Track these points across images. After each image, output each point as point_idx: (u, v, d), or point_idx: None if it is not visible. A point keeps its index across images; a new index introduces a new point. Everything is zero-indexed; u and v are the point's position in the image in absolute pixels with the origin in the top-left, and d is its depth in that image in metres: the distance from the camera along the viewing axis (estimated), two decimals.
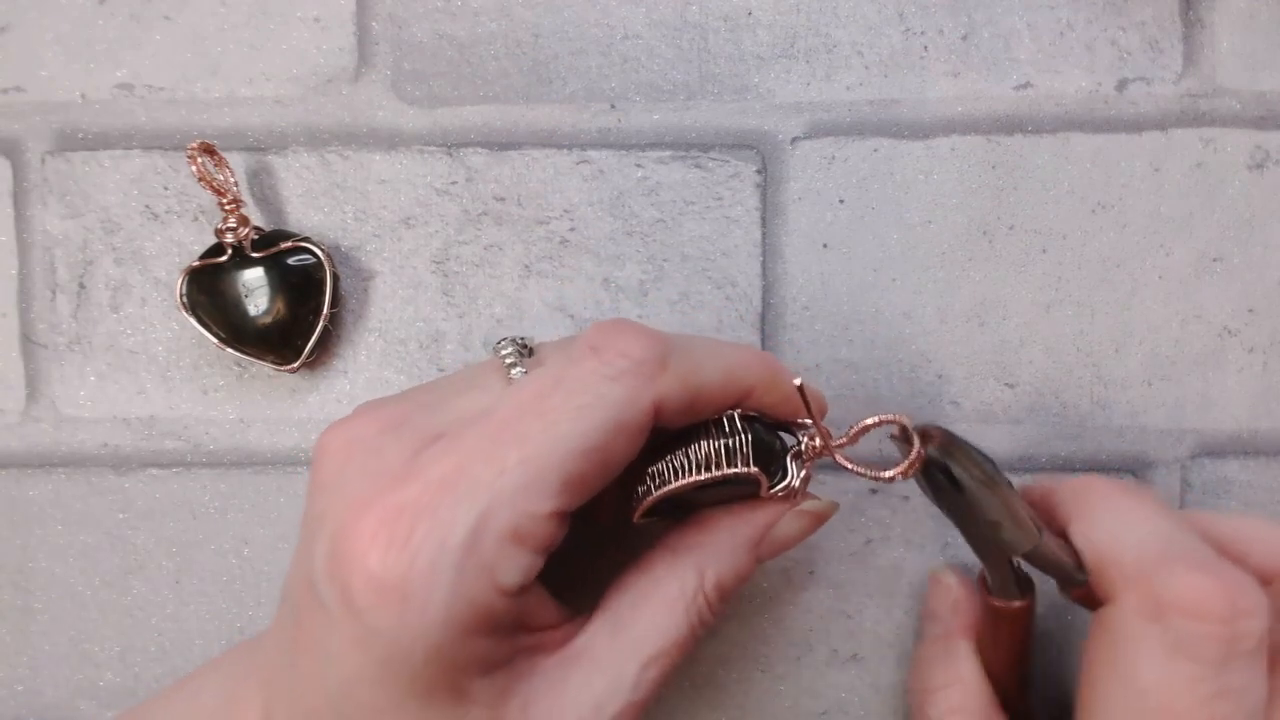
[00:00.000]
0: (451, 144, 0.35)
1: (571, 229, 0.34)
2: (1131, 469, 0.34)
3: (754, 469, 0.25)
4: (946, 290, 0.34)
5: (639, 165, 0.34)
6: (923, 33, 0.34)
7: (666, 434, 0.26)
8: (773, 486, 0.26)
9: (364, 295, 0.35)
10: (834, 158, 0.34)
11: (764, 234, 0.34)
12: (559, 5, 0.35)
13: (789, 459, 0.27)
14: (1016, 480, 0.29)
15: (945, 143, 0.34)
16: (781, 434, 0.27)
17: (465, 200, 0.35)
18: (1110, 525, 0.26)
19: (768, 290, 0.34)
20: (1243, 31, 0.34)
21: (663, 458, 0.26)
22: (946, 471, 0.26)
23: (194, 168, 0.32)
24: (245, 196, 0.34)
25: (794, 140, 0.34)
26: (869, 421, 0.27)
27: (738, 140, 0.34)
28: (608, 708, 0.24)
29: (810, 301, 0.34)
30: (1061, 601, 0.31)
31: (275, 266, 0.33)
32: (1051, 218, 0.34)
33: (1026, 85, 0.34)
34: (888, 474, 0.26)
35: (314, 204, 0.35)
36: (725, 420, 0.26)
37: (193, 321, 0.33)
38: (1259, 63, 0.34)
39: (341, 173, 0.35)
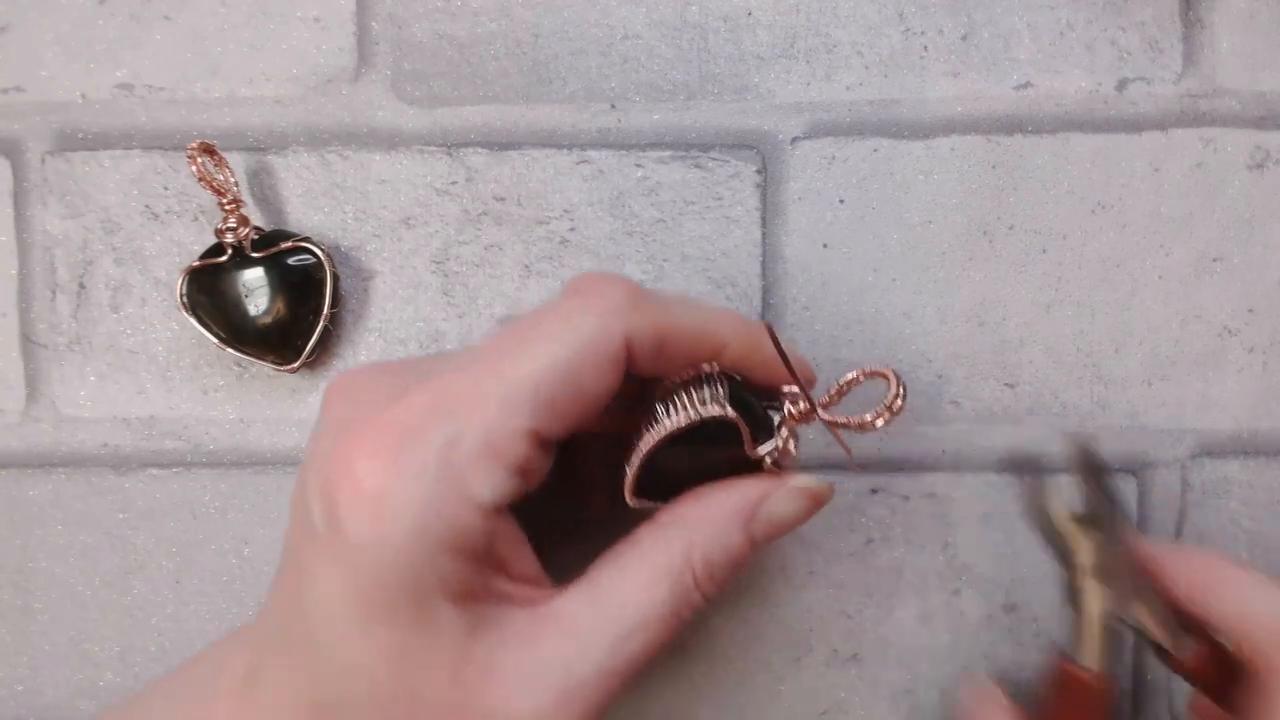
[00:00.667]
0: (451, 144, 0.35)
1: (571, 229, 0.34)
2: (1131, 469, 0.34)
3: (731, 413, 0.25)
4: (946, 290, 0.34)
5: (639, 165, 0.34)
6: (923, 33, 0.34)
7: (653, 408, 0.26)
8: (759, 445, 0.26)
9: (364, 295, 0.35)
10: (834, 158, 0.34)
11: (764, 234, 0.34)
12: (559, 5, 0.35)
13: (777, 426, 0.27)
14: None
15: (945, 143, 0.34)
16: (770, 409, 0.27)
17: (465, 200, 0.35)
18: (1256, 595, 0.27)
19: (768, 290, 0.34)
20: (1243, 31, 0.34)
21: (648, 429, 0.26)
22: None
23: (194, 168, 0.32)
24: (245, 196, 0.34)
25: (794, 140, 0.34)
26: (850, 376, 0.26)
27: (738, 140, 0.34)
28: (577, 672, 0.24)
29: (810, 301, 0.34)
30: None
31: (275, 266, 0.33)
32: (1051, 218, 0.34)
33: (1026, 85, 0.34)
34: (869, 416, 0.26)
35: (314, 204, 0.35)
36: (703, 371, 0.26)
37: (193, 321, 0.33)
38: (1259, 63, 0.34)
39: (341, 173, 0.35)
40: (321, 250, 0.33)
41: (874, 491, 0.34)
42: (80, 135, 0.35)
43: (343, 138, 0.35)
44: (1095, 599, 0.26)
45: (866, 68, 0.34)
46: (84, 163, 0.35)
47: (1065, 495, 0.28)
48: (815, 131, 0.34)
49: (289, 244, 0.33)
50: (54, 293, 0.35)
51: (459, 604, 0.23)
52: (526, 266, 0.34)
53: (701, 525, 0.26)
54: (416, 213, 0.35)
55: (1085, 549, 0.25)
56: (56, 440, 0.35)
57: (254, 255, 0.33)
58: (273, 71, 0.35)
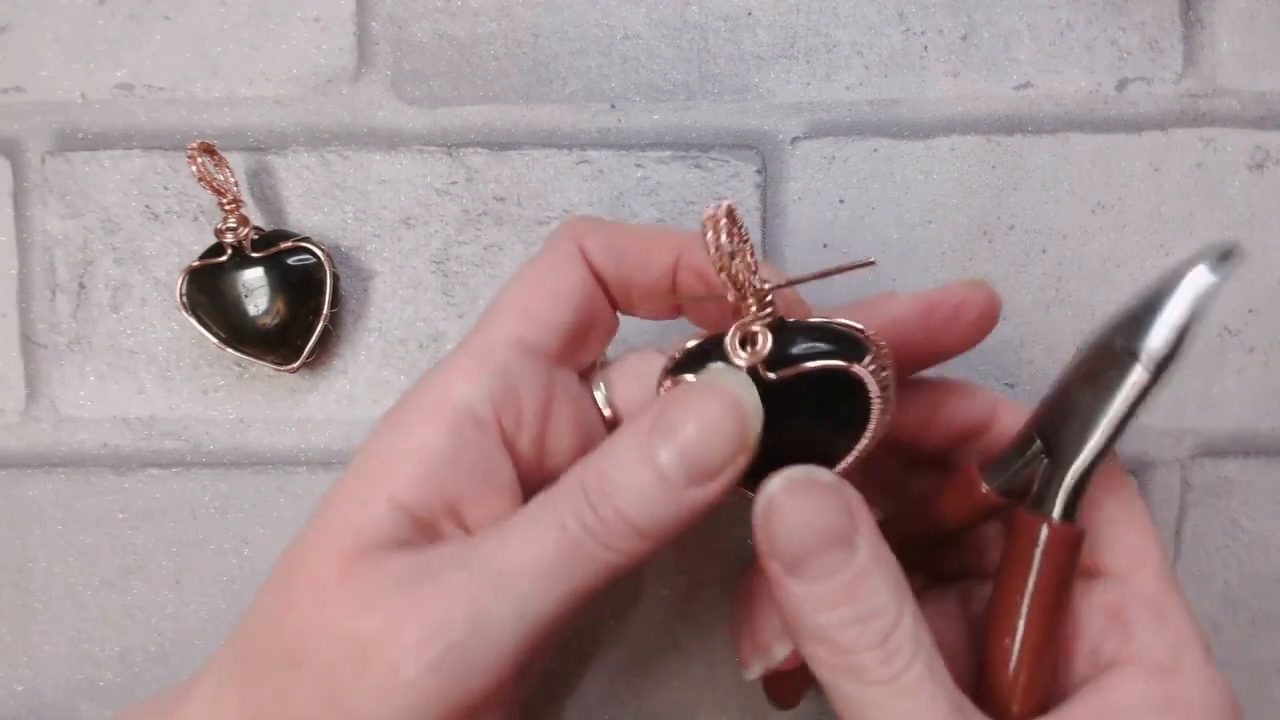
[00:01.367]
0: (451, 144, 0.35)
1: None
2: (1132, 469, 0.34)
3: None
4: None
5: (639, 165, 0.34)
6: (923, 33, 0.34)
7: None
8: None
9: (364, 295, 0.35)
10: (834, 158, 0.34)
11: (764, 234, 0.34)
12: (559, 5, 0.35)
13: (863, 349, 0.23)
14: None
15: (945, 143, 0.34)
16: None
17: (465, 200, 0.35)
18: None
19: None
20: (1243, 31, 0.34)
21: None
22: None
23: (194, 168, 0.32)
24: (245, 196, 0.34)
25: (794, 140, 0.34)
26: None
27: (738, 140, 0.34)
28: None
29: (810, 302, 0.34)
30: None
31: (275, 266, 0.33)
32: (1051, 218, 0.34)
33: (1026, 85, 0.34)
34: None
35: (314, 204, 0.35)
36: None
37: (193, 321, 0.33)
38: (1259, 63, 0.34)
39: (341, 173, 0.35)
40: (321, 250, 0.33)
41: None
42: (80, 135, 0.35)
43: (343, 138, 0.35)
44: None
45: (866, 68, 0.34)
46: (84, 163, 0.35)
47: None
48: (815, 131, 0.34)
49: (289, 244, 0.33)
50: (54, 293, 0.35)
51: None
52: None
53: (594, 464, 0.23)
54: (416, 213, 0.35)
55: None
56: (56, 440, 0.35)
57: (254, 255, 0.33)
58: (273, 71, 0.35)
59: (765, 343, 0.23)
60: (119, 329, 0.35)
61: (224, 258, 0.33)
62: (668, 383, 0.24)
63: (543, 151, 0.34)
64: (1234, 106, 0.34)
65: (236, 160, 0.34)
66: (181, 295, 0.33)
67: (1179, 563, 0.35)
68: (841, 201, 0.34)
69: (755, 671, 0.28)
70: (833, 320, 0.24)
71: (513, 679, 0.22)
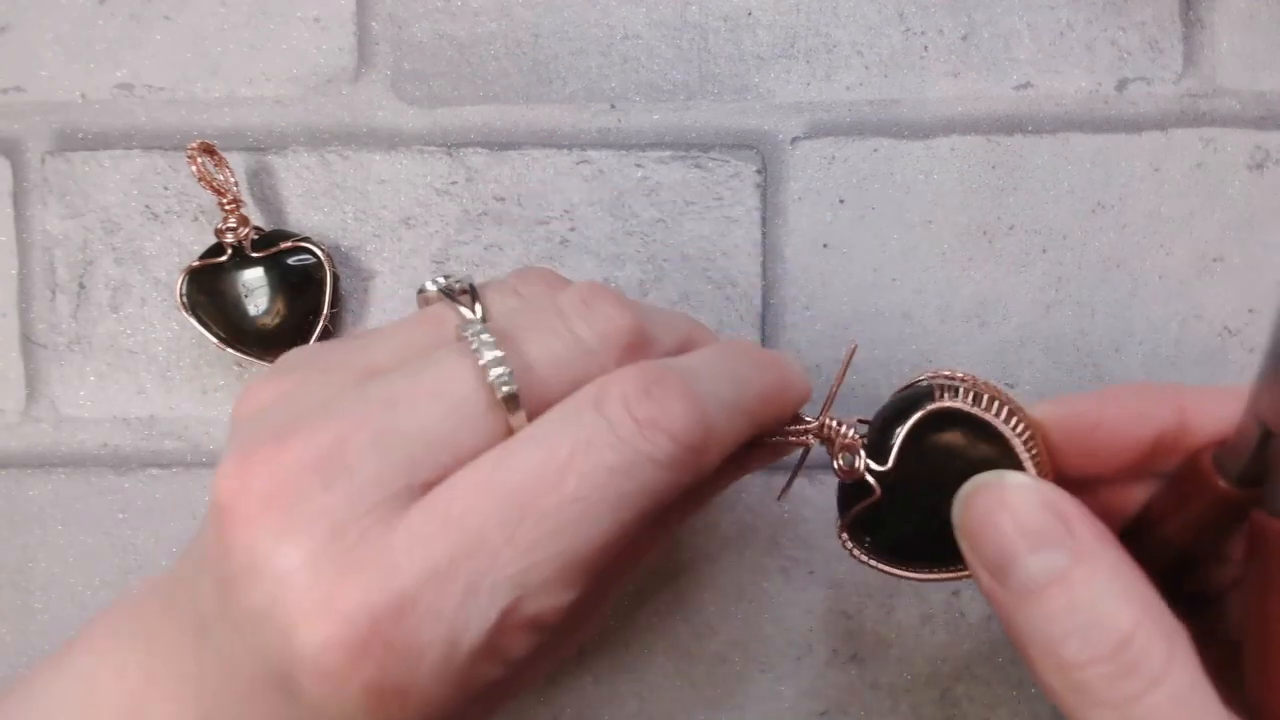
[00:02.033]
0: (451, 144, 0.35)
1: (571, 229, 0.34)
2: None
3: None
4: (946, 290, 0.34)
5: (639, 165, 0.34)
6: (923, 33, 0.34)
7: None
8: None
9: (364, 295, 0.35)
10: (834, 158, 0.34)
11: (764, 234, 0.34)
12: (559, 5, 0.35)
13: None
14: None
15: (945, 143, 0.34)
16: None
17: (465, 200, 0.35)
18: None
19: (768, 290, 0.34)
20: (1243, 31, 0.34)
21: None
22: None
23: (194, 168, 0.32)
24: (245, 196, 0.34)
25: (794, 140, 0.34)
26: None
27: (738, 140, 0.34)
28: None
29: (810, 301, 0.34)
30: None
31: (275, 266, 0.33)
32: (1051, 218, 0.34)
33: (1026, 85, 0.34)
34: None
35: (314, 204, 0.35)
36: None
37: (193, 321, 0.33)
38: (1259, 63, 0.34)
39: (341, 173, 0.35)
40: (321, 250, 0.33)
41: None
42: (80, 135, 0.35)
43: (343, 138, 0.35)
44: None
45: (866, 68, 0.34)
46: (84, 163, 0.35)
47: None
48: (815, 131, 0.34)
49: (289, 244, 0.33)
50: (54, 293, 0.35)
51: None
52: (527, 266, 0.34)
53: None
54: (416, 213, 0.35)
55: None
56: (56, 440, 0.35)
57: (254, 255, 0.33)
58: (273, 71, 0.35)
59: (859, 454, 0.24)
60: (119, 329, 0.35)
61: (224, 258, 0.33)
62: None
63: (543, 151, 0.34)
64: (1234, 106, 0.34)
65: (236, 160, 0.34)
66: (181, 295, 0.33)
67: None
68: (841, 201, 0.34)
69: None
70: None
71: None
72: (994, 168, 0.34)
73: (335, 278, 0.34)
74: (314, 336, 0.33)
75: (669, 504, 0.20)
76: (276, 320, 0.33)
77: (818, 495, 0.34)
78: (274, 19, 0.35)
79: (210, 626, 0.20)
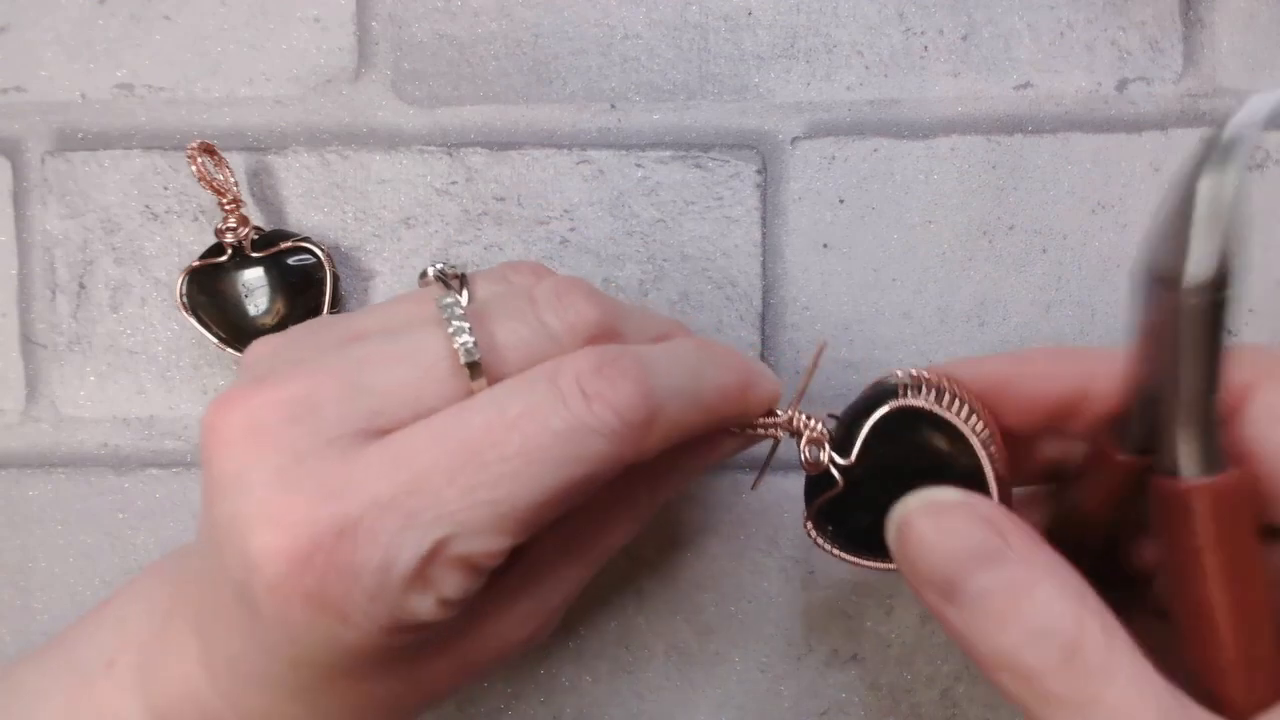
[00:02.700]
0: (451, 144, 0.35)
1: (571, 229, 0.34)
2: None
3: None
4: (946, 290, 0.34)
5: (639, 165, 0.34)
6: (923, 33, 0.34)
7: None
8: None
9: (364, 295, 0.35)
10: (834, 158, 0.34)
11: (764, 234, 0.34)
12: (559, 5, 0.35)
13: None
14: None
15: (945, 143, 0.34)
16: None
17: (465, 200, 0.35)
18: None
19: (768, 290, 0.34)
20: (1243, 31, 0.34)
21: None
22: None
23: (194, 168, 0.32)
24: (245, 196, 0.34)
25: (794, 140, 0.34)
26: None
27: (738, 140, 0.34)
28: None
29: (810, 301, 0.34)
30: None
31: (275, 266, 0.33)
32: (1051, 218, 0.34)
33: (1026, 85, 0.34)
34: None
35: (314, 204, 0.35)
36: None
37: (193, 321, 0.33)
38: (1259, 63, 0.34)
39: (341, 173, 0.35)
40: (321, 250, 0.33)
41: None
42: (80, 135, 0.35)
43: (343, 138, 0.35)
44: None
45: (866, 68, 0.34)
46: (84, 163, 0.35)
47: None
48: (815, 131, 0.34)
49: (289, 244, 0.33)
50: (54, 293, 0.35)
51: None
52: (521, 259, 0.34)
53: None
54: (416, 213, 0.35)
55: None
56: (56, 440, 0.35)
57: (254, 255, 0.33)
58: (273, 71, 0.35)
59: (824, 448, 0.26)
60: (119, 329, 0.35)
61: (224, 258, 0.33)
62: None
63: (543, 151, 0.34)
64: (1234, 106, 0.34)
65: (236, 160, 0.34)
66: (181, 295, 0.33)
67: None
68: (841, 201, 0.34)
69: None
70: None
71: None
72: (994, 168, 0.34)
73: (335, 278, 0.34)
74: None
75: (608, 477, 0.22)
76: (276, 320, 0.33)
77: None
78: (274, 19, 0.35)
79: (203, 549, 0.23)
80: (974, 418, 0.24)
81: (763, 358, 0.34)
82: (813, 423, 0.26)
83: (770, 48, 0.34)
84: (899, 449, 0.25)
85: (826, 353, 0.34)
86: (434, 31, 0.35)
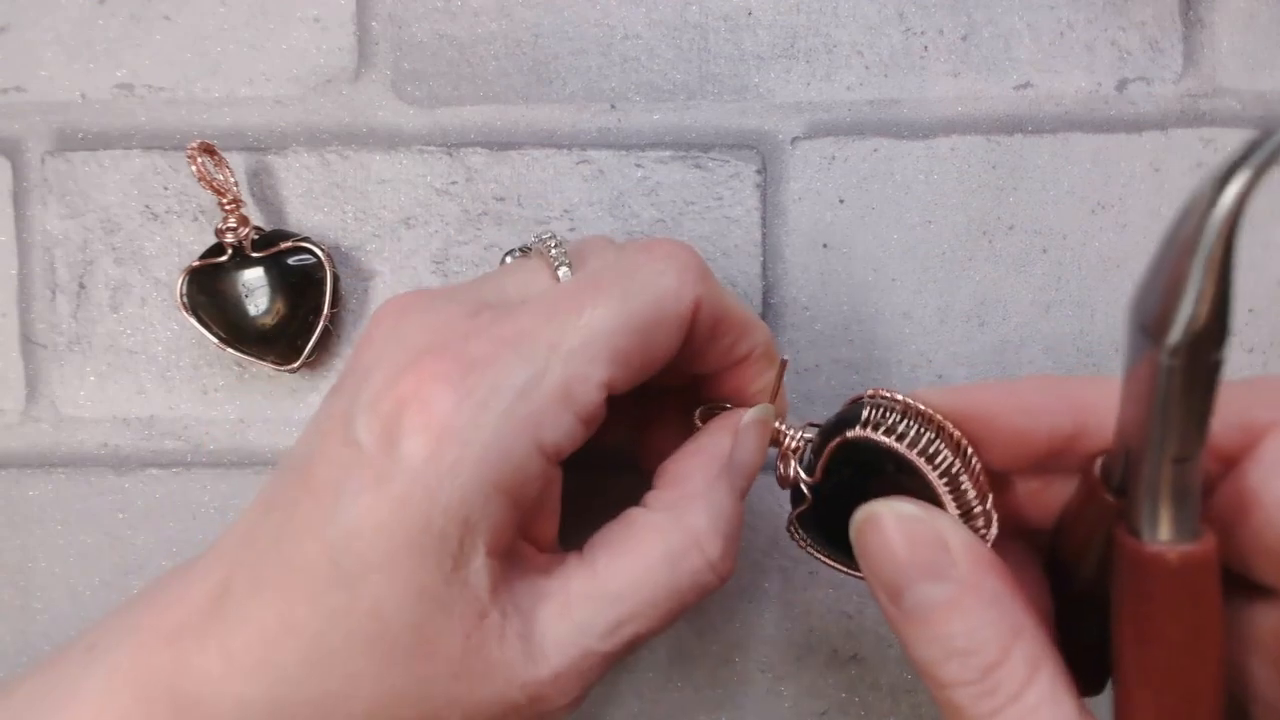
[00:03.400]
0: (451, 144, 0.35)
1: (571, 229, 0.34)
2: None
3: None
4: (946, 290, 0.34)
5: (639, 165, 0.34)
6: (923, 33, 0.34)
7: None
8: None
9: (364, 295, 0.35)
10: (834, 158, 0.34)
11: (764, 234, 0.34)
12: (559, 5, 0.35)
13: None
14: None
15: (945, 143, 0.34)
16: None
17: (465, 200, 0.35)
18: None
19: (768, 290, 0.34)
20: (1243, 31, 0.34)
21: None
22: None
23: (194, 168, 0.32)
24: (245, 196, 0.34)
25: (794, 140, 0.34)
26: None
27: (738, 140, 0.34)
28: (569, 651, 0.23)
29: (810, 301, 0.34)
30: None
31: (275, 266, 0.33)
32: (1051, 218, 0.34)
33: (1026, 85, 0.34)
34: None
35: (314, 204, 0.35)
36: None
37: (193, 321, 0.33)
38: (1259, 63, 0.34)
39: (341, 173, 0.35)
40: (321, 250, 0.33)
41: None
42: (80, 135, 0.35)
43: (343, 138, 0.35)
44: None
45: (866, 68, 0.34)
46: (84, 163, 0.35)
47: None
48: (815, 131, 0.34)
49: (289, 244, 0.33)
50: (54, 293, 0.35)
51: (492, 556, 0.22)
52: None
53: (695, 503, 0.25)
54: (416, 213, 0.35)
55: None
56: (56, 440, 0.35)
57: (254, 255, 0.33)
58: (273, 71, 0.35)
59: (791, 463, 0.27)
60: (119, 329, 0.35)
61: (224, 258, 0.33)
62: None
63: (543, 151, 0.34)
64: (1234, 106, 0.34)
65: (236, 160, 0.34)
66: (181, 295, 0.33)
67: None
68: (841, 201, 0.34)
69: None
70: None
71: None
72: (994, 168, 0.34)
73: (335, 278, 0.34)
74: (314, 337, 0.33)
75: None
76: (276, 320, 0.33)
77: None
78: (274, 19, 0.35)
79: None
80: (941, 455, 0.23)
81: None
82: (792, 432, 0.27)
83: (770, 48, 0.34)
84: (859, 474, 0.25)
85: (826, 353, 0.34)
86: (434, 31, 0.35)
